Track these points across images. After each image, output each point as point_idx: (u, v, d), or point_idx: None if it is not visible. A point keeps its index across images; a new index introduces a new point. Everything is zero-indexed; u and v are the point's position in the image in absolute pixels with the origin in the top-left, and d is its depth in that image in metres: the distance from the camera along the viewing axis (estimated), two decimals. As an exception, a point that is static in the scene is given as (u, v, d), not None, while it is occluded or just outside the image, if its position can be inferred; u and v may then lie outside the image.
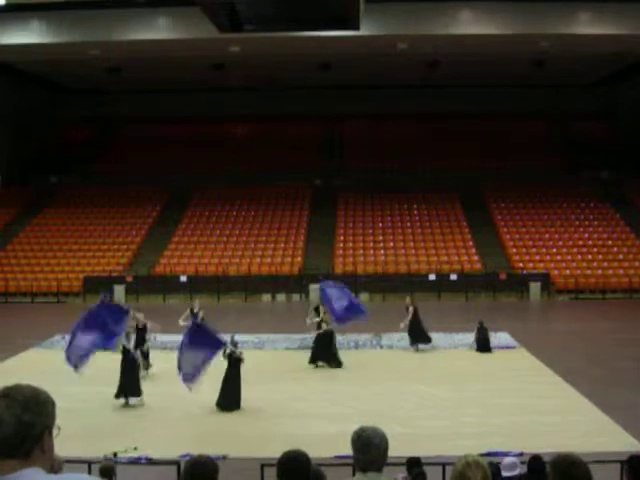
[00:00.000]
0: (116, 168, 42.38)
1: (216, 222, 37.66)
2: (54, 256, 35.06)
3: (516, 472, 6.97)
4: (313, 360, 18.14)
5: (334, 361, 17.87)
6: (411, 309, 20.17)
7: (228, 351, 14.44)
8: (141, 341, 16.48)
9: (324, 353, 18.16)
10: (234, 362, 14.44)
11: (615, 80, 41.72)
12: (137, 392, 14.62)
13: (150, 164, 41.99)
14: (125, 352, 14.95)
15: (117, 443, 11.24)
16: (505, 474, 6.95)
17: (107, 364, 17.23)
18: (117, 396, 14.58)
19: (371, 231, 36.65)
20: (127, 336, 15.38)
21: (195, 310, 20.17)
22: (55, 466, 2.25)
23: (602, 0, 27.51)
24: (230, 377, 14.37)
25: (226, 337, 14.74)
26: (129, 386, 14.60)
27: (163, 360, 16.78)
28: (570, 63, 36.44)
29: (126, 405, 14.52)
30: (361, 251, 35.18)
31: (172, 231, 36.81)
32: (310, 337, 19.01)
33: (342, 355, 19.05)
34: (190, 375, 13.66)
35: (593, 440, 11.79)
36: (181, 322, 19.16)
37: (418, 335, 19.98)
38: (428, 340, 20.05)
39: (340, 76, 39.87)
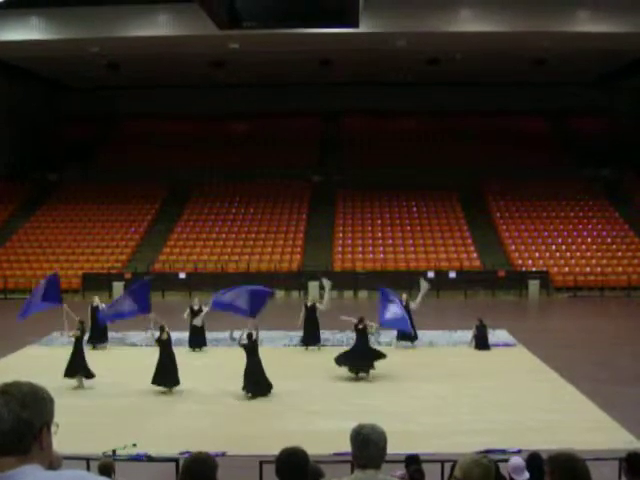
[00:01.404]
0: (115, 164, 42.33)
1: (215, 219, 37.64)
2: (53, 253, 35.03)
3: (525, 476, 6.87)
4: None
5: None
6: (412, 305, 20.31)
7: (243, 342, 15.40)
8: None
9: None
10: (250, 351, 15.18)
11: (616, 77, 41.67)
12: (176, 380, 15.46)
13: (149, 161, 41.95)
14: (162, 344, 15.56)
15: (116, 440, 11.24)
16: (515, 477, 6.89)
17: (103, 361, 17.26)
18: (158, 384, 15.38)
19: (370, 228, 36.64)
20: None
21: (195, 307, 20.20)
22: (54, 463, 2.23)
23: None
24: (249, 365, 15.07)
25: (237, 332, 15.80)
26: (169, 375, 15.38)
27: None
28: (570, 60, 36.38)
29: (169, 392, 15.36)
30: (360, 248, 35.18)
31: (171, 228, 36.80)
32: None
33: (340, 352, 19.12)
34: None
35: (591, 437, 11.81)
36: (185, 316, 19.50)
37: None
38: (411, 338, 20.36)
39: (339, 73, 39.84)
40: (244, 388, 15.06)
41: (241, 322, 16.38)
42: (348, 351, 17.13)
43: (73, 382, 15.84)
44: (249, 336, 15.46)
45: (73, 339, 16.43)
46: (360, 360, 16.72)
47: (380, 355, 16.83)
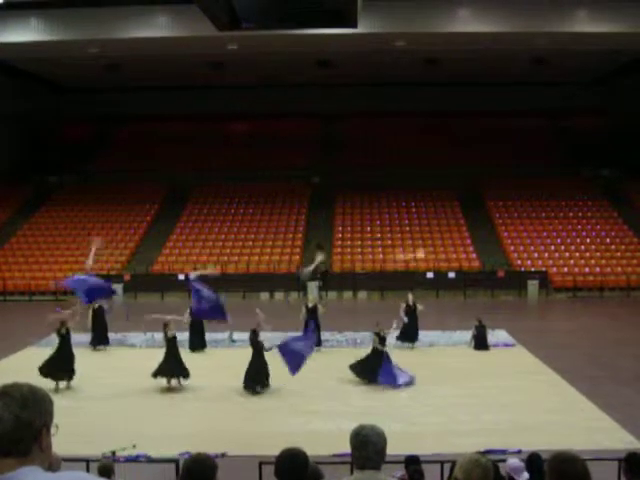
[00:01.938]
0: (115, 166, 42.35)
1: (214, 220, 37.65)
2: (52, 254, 35.02)
3: (525, 477, 6.87)
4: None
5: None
6: (420, 306, 20.33)
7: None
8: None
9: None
10: (254, 347, 15.73)
11: (615, 77, 41.70)
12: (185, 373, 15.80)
13: (149, 162, 41.96)
14: (170, 339, 15.96)
15: (115, 441, 11.23)
16: (515, 477, 6.89)
17: (103, 362, 17.25)
18: (155, 375, 15.66)
19: (369, 229, 36.65)
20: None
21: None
22: (53, 464, 2.23)
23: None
24: (252, 362, 15.58)
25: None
26: (177, 368, 15.73)
27: (160, 357, 16.62)
28: (569, 60, 36.42)
29: (169, 387, 15.65)
30: (359, 249, 35.18)
31: (170, 229, 36.80)
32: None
33: (341, 353, 19.20)
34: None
35: (591, 438, 11.81)
36: (185, 320, 19.51)
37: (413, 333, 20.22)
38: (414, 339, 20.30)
39: (338, 74, 39.85)
40: (245, 387, 15.38)
41: (241, 324, 16.41)
42: (364, 359, 16.61)
43: (71, 383, 15.81)
44: (253, 331, 15.83)
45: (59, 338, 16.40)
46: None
47: None
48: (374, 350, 16.51)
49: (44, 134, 44.54)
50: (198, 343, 19.99)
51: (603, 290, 31.90)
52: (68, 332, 16.32)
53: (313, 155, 43.32)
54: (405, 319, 19.99)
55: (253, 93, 43.65)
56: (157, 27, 28.68)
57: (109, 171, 41.84)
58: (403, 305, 20.37)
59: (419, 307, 20.34)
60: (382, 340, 16.43)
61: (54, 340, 20.68)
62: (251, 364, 15.54)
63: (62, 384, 15.70)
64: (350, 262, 33.97)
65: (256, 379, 15.43)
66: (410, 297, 20.73)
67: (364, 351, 18.05)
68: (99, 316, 20.34)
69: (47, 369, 15.52)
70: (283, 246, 35.30)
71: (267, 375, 15.57)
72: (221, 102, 43.86)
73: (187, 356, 18.28)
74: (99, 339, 20.31)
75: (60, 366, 15.76)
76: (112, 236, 36.17)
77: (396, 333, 19.73)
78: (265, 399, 14.90)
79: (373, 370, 16.12)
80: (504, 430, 12.47)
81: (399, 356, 19.03)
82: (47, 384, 14.51)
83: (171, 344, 15.98)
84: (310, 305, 20.58)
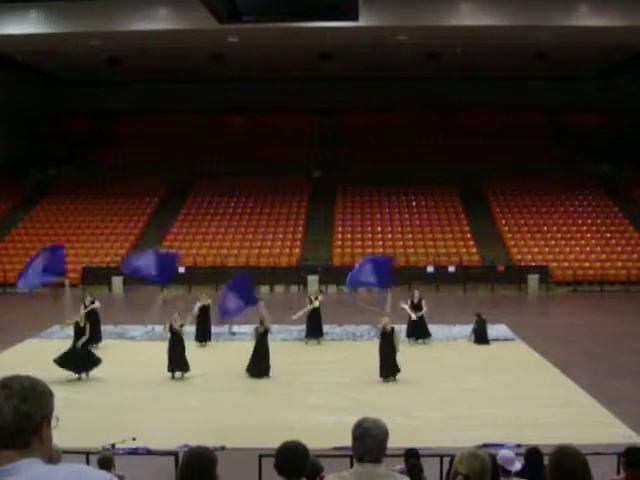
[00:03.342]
0: (115, 159, 42.31)
1: (214, 213, 37.63)
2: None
3: (517, 467, 6.87)
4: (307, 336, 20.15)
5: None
6: (424, 302, 20.30)
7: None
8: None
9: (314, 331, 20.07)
10: (261, 335, 16.31)
11: (616, 72, 41.61)
12: (185, 367, 16.00)
13: (149, 155, 41.92)
14: (173, 331, 16.16)
15: (115, 434, 11.24)
16: (508, 468, 6.89)
17: (102, 355, 17.24)
18: (169, 370, 16.00)
19: (369, 223, 36.64)
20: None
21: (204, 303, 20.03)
22: (53, 457, 2.24)
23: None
24: (259, 347, 16.19)
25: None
26: (177, 361, 15.98)
27: (159, 351, 16.65)
28: (571, 56, 36.34)
29: (173, 378, 15.94)
30: (359, 243, 35.17)
31: (171, 222, 36.79)
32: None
33: (340, 346, 19.21)
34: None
35: (591, 432, 11.82)
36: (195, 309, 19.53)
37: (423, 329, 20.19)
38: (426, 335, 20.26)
39: (339, 67, 39.77)
40: (248, 369, 16.08)
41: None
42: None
43: (72, 376, 15.82)
44: (261, 322, 16.43)
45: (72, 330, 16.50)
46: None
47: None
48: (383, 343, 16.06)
49: (44, 127, 44.48)
50: (203, 336, 19.90)
51: (603, 284, 31.91)
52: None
53: (314, 149, 43.30)
54: (414, 316, 19.84)
55: (254, 86, 43.57)
56: (158, 20, 28.60)
57: (109, 164, 41.81)
58: (408, 302, 20.24)
59: (424, 308, 20.20)
60: (384, 334, 15.91)
61: (54, 332, 20.76)
62: (255, 350, 16.21)
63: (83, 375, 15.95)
64: (350, 256, 33.93)
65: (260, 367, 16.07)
66: (416, 294, 20.69)
67: (364, 345, 18.08)
68: (92, 314, 20.12)
69: (67, 360, 15.80)
70: (283, 239, 35.30)
71: (268, 366, 16.11)
72: (221, 96, 43.76)
73: (189, 349, 18.33)
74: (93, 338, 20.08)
75: (79, 359, 15.98)
76: (112, 229, 36.18)
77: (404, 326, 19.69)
78: (265, 392, 14.91)
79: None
80: (504, 424, 12.48)
81: (404, 351, 19.05)
82: (54, 376, 14.53)
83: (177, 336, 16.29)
84: (314, 297, 20.60)
